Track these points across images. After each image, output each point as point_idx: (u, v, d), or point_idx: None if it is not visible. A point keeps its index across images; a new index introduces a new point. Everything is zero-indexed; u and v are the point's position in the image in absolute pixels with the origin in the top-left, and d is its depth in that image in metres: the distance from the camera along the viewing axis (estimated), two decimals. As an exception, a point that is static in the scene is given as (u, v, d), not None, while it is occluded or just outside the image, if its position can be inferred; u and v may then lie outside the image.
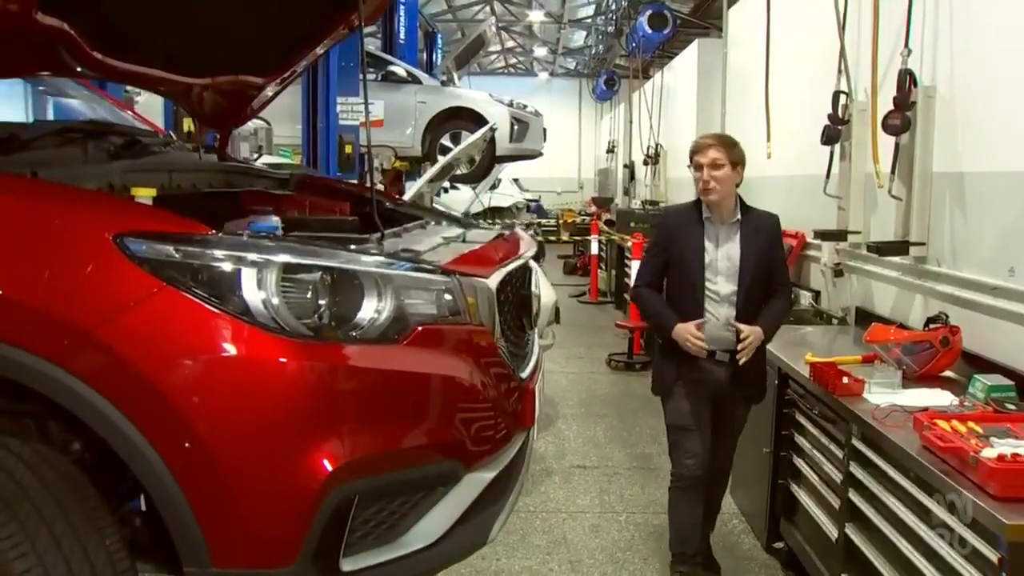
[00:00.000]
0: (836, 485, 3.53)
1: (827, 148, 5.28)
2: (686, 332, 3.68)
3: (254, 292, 2.08)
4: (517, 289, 2.94)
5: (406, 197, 8.12)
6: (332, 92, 9.19)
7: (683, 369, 3.80)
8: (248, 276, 2.09)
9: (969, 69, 4.00)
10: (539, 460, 5.75)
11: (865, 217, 5.07)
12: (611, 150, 23.98)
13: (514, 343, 2.82)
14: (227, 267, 2.09)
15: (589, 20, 23.85)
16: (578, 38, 26.86)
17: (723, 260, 3.74)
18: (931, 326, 3.87)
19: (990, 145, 3.81)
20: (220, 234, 2.18)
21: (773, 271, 3.80)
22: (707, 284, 3.74)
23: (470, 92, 12.82)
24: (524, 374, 2.78)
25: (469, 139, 9.39)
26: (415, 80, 11.83)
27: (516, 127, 11.79)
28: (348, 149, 9.67)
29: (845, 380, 3.50)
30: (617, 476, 5.61)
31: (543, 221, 18.07)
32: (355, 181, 9.07)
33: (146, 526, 2.19)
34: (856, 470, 3.32)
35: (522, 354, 2.92)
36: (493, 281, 2.60)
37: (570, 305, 12.23)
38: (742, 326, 3.69)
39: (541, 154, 12.87)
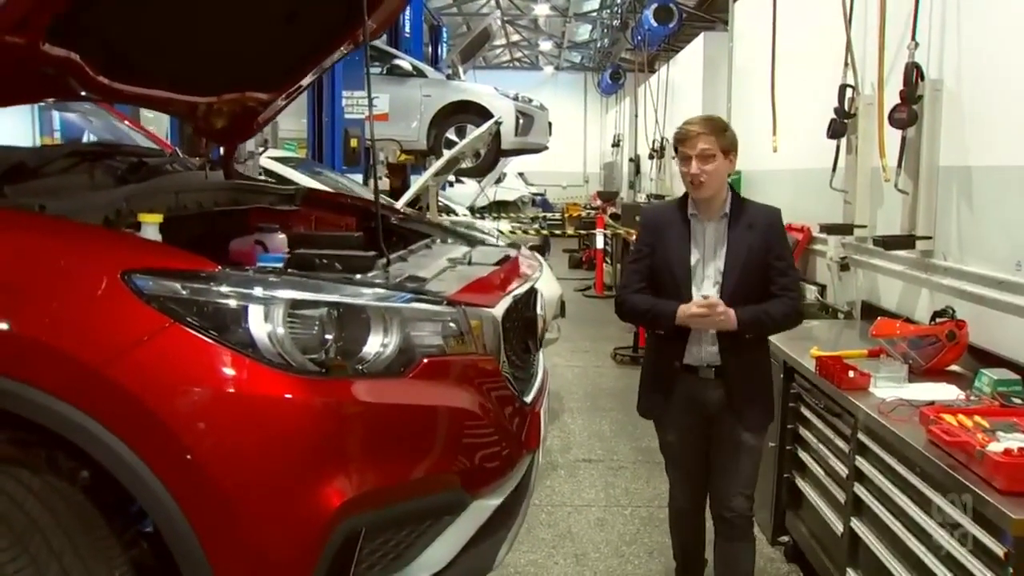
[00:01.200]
0: (841, 479, 3.53)
1: (833, 142, 5.27)
2: (694, 307, 3.21)
3: (261, 328, 2.09)
4: (522, 312, 2.92)
5: (411, 191, 8.13)
6: (338, 86, 9.20)
7: (671, 388, 3.40)
8: (254, 313, 2.10)
9: (977, 62, 3.99)
10: (544, 454, 5.74)
11: (871, 211, 5.07)
12: (616, 144, 23.95)
13: (519, 366, 2.82)
14: (233, 304, 2.10)
15: (594, 14, 23.80)
16: (583, 32, 26.80)
17: (708, 261, 3.32)
18: (937, 320, 3.86)
19: (997, 139, 3.80)
20: (227, 269, 2.19)
21: (770, 274, 3.29)
22: (692, 289, 3.31)
23: (475, 86, 12.82)
24: (529, 398, 2.77)
25: (474, 133, 9.37)
26: (420, 74, 11.82)
27: (521, 121, 11.79)
28: (354, 143, 9.68)
29: (851, 374, 3.50)
30: (622, 470, 5.61)
31: (548, 215, 18.02)
32: (360, 177, 9.08)
33: (153, 550, 2.19)
34: (862, 464, 3.32)
35: (527, 376, 2.91)
36: (499, 310, 2.59)
37: (575, 299, 12.21)
38: (711, 297, 3.24)
39: (546, 148, 12.87)
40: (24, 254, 2.11)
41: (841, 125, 5.15)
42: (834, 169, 5.30)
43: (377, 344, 2.22)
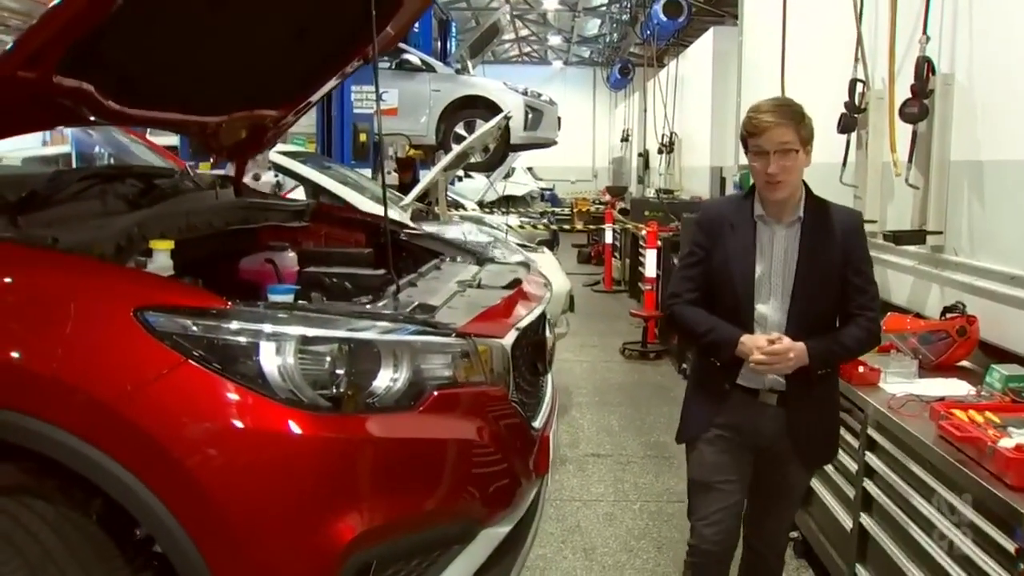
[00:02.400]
0: (851, 475, 3.52)
1: (843, 137, 5.25)
2: (759, 346, 2.76)
3: (272, 364, 2.11)
4: (531, 337, 2.92)
5: (420, 186, 8.13)
6: (347, 80, 9.20)
7: (718, 411, 2.93)
8: (265, 349, 2.11)
9: (988, 56, 3.96)
10: (553, 449, 5.76)
11: (882, 206, 5.04)
12: (625, 139, 23.95)
13: (528, 391, 2.81)
14: (244, 340, 2.12)
15: (604, 8, 23.75)
16: (592, 26, 26.76)
17: (776, 274, 2.84)
18: (948, 315, 3.84)
19: (1009, 133, 3.78)
20: (238, 304, 2.20)
21: (847, 290, 2.84)
22: (754, 304, 2.85)
23: (484, 80, 12.82)
24: (539, 423, 2.77)
25: (483, 127, 9.37)
26: (429, 68, 11.82)
27: (530, 115, 11.78)
28: (363, 138, 9.69)
29: (861, 369, 3.49)
30: (631, 464, 5.61)
31: (557, 210, 18.02)
32: (368, 172, 9.09)
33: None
34: (871, 460, 3.31)
35: (536, 400, 2.91)
36: (509, 339, 2.59)
37: (584, 294, 12.21)
38: (783, 337, 2.78)
39: (555, 143, 12.86)
40: (39, 292, 2.15)
41: (851, 120, 5.12)
42: (844, 164, 5.28)
43: (387, 378, 2.23)
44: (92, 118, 2.82)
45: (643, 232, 9.89)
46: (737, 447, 2.93)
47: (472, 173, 13.45)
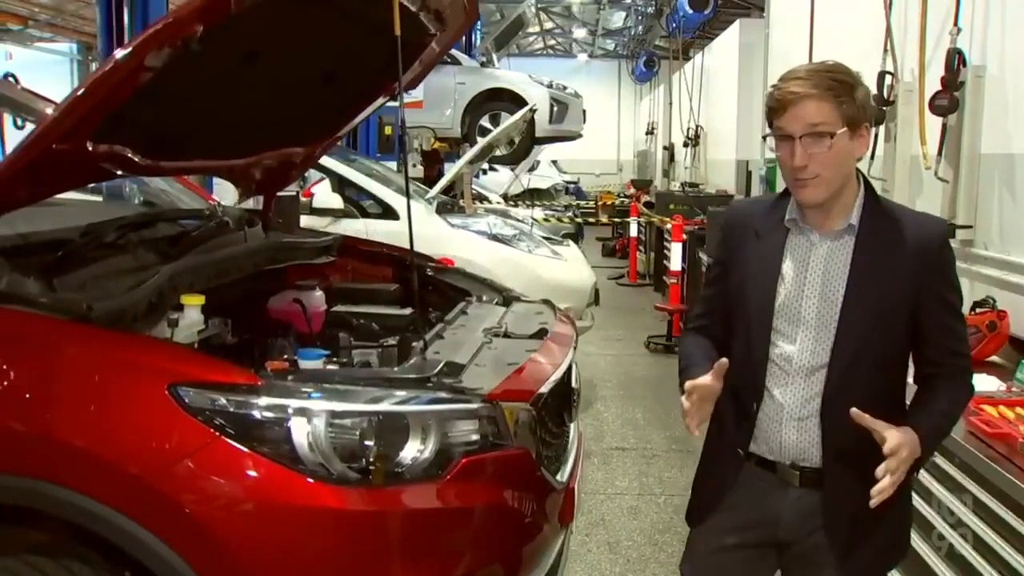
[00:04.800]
0: (879, 470, 3.49)
1: (871, 129, 5.21)
2: (689, 385, 2.08)
3: (302, 439, 2.15)
4: (558, 389, 2.90)
5: (446, 179, 8.15)
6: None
7: (728, 488, 2.21)
8: (296, 425, 2.16)
9: (1021, 48, 3.92)
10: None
11: (910, 199, 5.00)
12: (650, 132, 23.85)
13: (553, 442, 2.80)
14: (274, 416, 2.17)
15: (629, 1, 23.66)
16: (617, 19, 26.65)
17: (809, 301, 2.08)
18: (978, 310, 3.81)
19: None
20: (269, 378, 2.25)
21: (924, 328, 2.07)
22: (775, 341, 2.11)
23: (509, 73, 12.82)
24: (564, 476, 2.77)
25: (509, 120, 9.39)
26: (454, 61, 11.83)
27: (555, 108, 11.77)
28: (388, 131, 9.71)
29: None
30: (656, 458, 5.61)
31: (582, 203, 17.98)
32: (394, 164, 9.10)
33: None
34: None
35: (562, 450, 2.90)
36: (536, 401, 2.59)
37: (609, 287, 12.19)
38: (875, 422, 1.95)
39: (580, 135, 12.84)
40: (76, 368, 2.21)
41: (880, 113, 5.08)
42: (872, 157, 5.24)
43: (415, 448, 2.25)
44: (120, 174, 2.89)
45: (668, 226, 9.86)
46: (753, 555, 2.22)
47: (497, 166, 13.47)
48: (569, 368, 2.99)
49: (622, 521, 4.63)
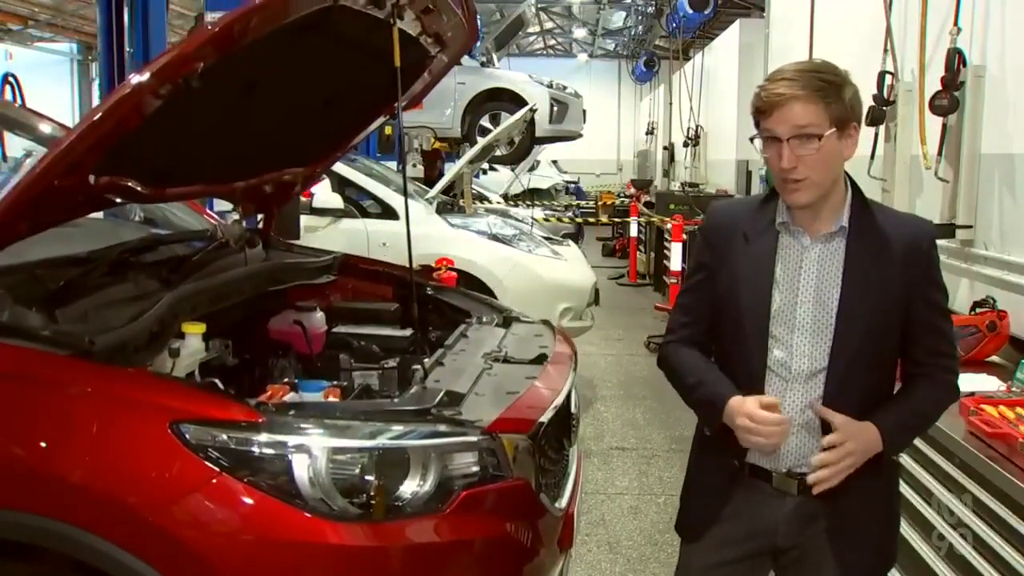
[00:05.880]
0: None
1: (871, 129, 5.21)
2: (747, 410, 2.01)
3: (302, 475, 2.16)
4: (558, 414, 2.90)
5: (446, 179, 8.14)
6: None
7: (724, 500, 2.18)
8: (296, 461, 2.17)
9: (1021, 48, 3.92)
10: (578, 442, 5.77)
11: (910, 199, 5.00)
12: (650, 132, 23.86)
13: (552, 469, 2.80)
14: (275, 452, 2.18)
15: (629, 1, 23.66)
16: (617, 19, 26.66)
17: (804, 306, 2.07)
18: (978, 310, 3.81)
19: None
20: (270, 413, 2.26)
21: (912, 329, 2.09)
22: (771, 347, 2.09)
23: (509, 73, 12.81)
24: (563, 502, 2.77)
25: (509, 120, 9.38)
26: (454, 61, 11.81)
27: (555, 108, 11.77)
28: (388, 131, 9.71)
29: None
30: (656, 458, 5.61)
31: (582, 203, 17.98)
32: (394, 164, 9.10)
33: None
34: (900, 456, 3.28)
35: (560, 477, 2.90)
36: (535, 432, 2.59)
37: (609, 287, 12.19)
38: (833, 415, 2.02)
39: (580, 135, 12.84)
40: (79, 406, 2.22)
41: (880, 112, 5.09)
42: (872, 157, 5.25)
43: (415, 482, 2.26)
44: (121, 202, 2.91)
45: (668, 225, 9.87)
46: (752, 564, 2.21)
47: (497, 166, 13.47)
48: (569, 393, 3.00)
49: (622, 521, 4.64)
